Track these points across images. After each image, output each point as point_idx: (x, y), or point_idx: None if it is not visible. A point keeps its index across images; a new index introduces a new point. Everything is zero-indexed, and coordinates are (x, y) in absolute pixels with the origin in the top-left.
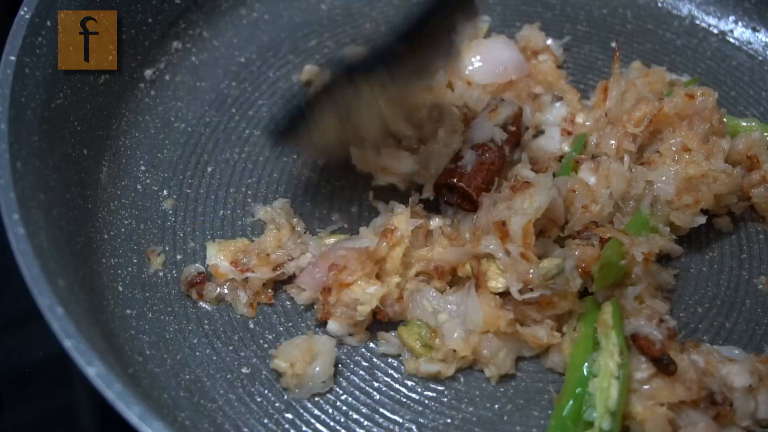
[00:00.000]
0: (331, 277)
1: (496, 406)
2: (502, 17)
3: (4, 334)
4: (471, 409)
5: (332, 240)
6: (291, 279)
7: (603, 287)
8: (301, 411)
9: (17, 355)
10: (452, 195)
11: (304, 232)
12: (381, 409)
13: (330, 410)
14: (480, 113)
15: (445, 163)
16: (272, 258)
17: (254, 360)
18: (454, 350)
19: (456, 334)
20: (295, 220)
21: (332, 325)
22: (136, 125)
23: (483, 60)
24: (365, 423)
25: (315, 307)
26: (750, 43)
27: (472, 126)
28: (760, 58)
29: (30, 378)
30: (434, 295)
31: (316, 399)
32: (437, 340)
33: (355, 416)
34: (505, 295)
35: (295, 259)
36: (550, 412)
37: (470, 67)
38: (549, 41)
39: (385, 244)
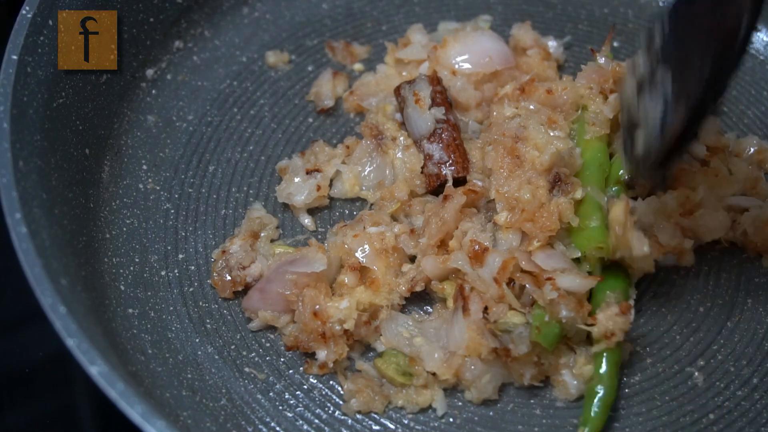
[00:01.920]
0: (305, 317)
1: (498, 405)
2: (504, 16)
3: (4, 334)
4: (472, 408)
5: (279, 250)
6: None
7: (555, 345)
8: (303, 410)
9: (17, 355)
10: (442, 187)
11: (273, 240)
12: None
13: (332, 409)
14: (408, 108)
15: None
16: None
17: (256, 359)
18: (434, 374)
19: (436, 355)
20: (268, 225)
21: (321, 354)
22: (137, 124)
23: (468, 51)
24: (366, 421)
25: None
26: (751, 42)
27: (411, 124)
28: (761, 57)
29: (30, 378)
30: (410, 323)
31: (318, 399)
32: (416, 366)
33: (356, 415)
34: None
35: (246, 267)
36: (551, 411)
37: (456, 58)
38: (550, 42)
39: (351, 274)
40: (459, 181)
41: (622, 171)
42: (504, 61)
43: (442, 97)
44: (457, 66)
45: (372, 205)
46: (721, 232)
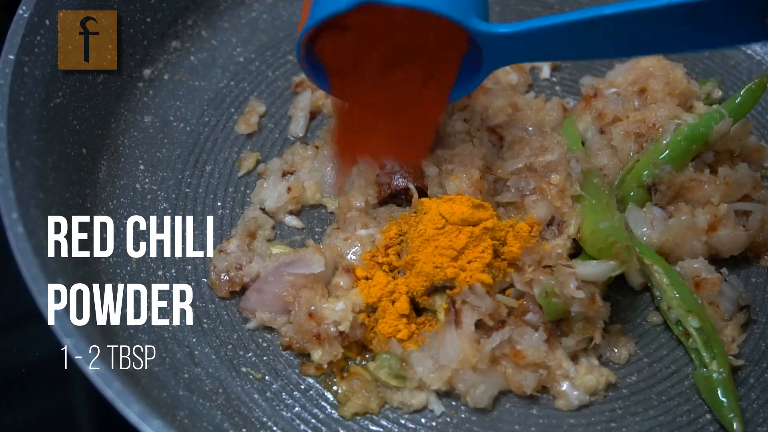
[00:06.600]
0: (300, 318)
1: (495, 405)
2: (501, 17)
3: (2, 334)
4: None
5: (276, 251)
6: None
7: (555, 318)
8: (300, 410)
9: (15, 355)
10: (399, 197)
11: (269, 240)
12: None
13: (329, 409)
14: None
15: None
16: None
17: (253, 359)
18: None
19: (427, 363)
20: (265, 225)
21: (316, 354)
22: (134, 124)
23: None
24: (363, 421)
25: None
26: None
27: None
28: (758, 57)
29: (28, 378)
30: None
31: (315, 399)
32: (410, 369)
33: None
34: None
35: (243, 266)
36: (549, 411)
37: None
38: None
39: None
40: (420, 192)
41: (646, 173)
42: None
43: None
44: None
45: (332, 213)
46: (741, 248)
